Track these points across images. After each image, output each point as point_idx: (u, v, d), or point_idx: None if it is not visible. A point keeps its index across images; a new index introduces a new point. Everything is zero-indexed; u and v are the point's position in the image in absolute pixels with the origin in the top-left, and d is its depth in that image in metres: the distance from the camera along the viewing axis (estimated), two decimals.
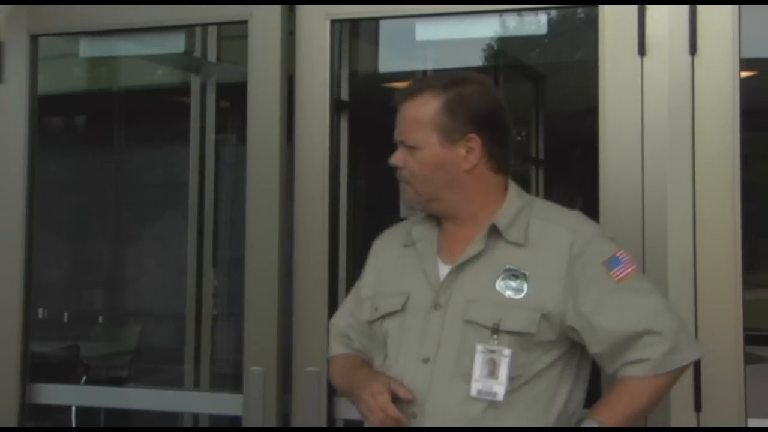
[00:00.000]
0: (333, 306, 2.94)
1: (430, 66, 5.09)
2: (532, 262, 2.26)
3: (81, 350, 5.91)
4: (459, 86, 2.32)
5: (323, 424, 3.02)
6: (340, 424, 3.02)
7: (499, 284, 2.24)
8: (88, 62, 5.20)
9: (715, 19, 2.78)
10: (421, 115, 2.29)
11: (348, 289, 2.68)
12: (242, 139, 3.23)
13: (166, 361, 5.79)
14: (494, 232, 2.30)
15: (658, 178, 2.81)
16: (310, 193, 3.13)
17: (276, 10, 3.16)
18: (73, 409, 4.69)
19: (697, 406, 2.73)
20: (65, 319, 6.23)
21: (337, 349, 2.55)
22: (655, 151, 2.82)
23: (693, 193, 2.78)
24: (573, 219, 2.37)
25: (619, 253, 2.28)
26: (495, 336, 2.20)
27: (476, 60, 5.79)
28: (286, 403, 3.08)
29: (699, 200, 2.77)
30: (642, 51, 2.84)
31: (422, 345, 2.26)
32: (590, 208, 2.88)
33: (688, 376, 2.72)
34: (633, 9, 2.85)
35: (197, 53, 4.95)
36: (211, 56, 5.04)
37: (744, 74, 2.79)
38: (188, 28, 4.07)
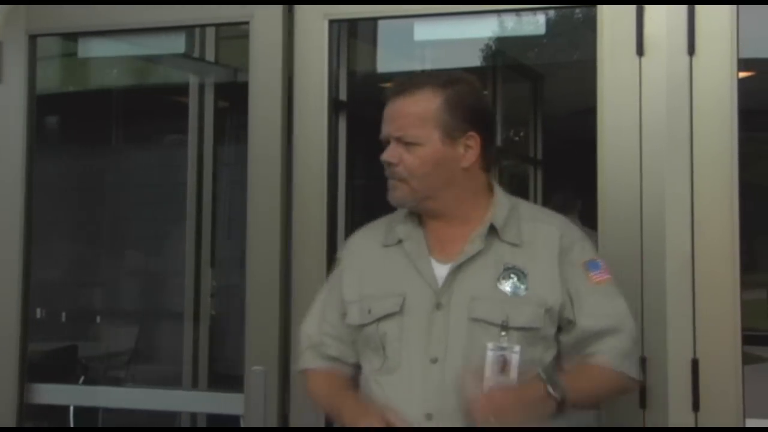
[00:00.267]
0: None
1: (428, 66, 5.09)
2: (529, 260, 2.28)
3: (79, 350, 5.91)
4: (456, 84, 2.33)
5: (322, 423, 3.02)
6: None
7: (501, 282, 2.26)
8: (84, 61, 5.20)
9: (714, 20, 2.79)
10: (423, 111, 2.28)
11: None
12: (241, 139, 3.22)
13: (164, 362, 5.79)
14: (491, 231, 2.31)
15: (656, 178, 2.81)
16: (308, 193, 3.13)
17: (277, 10, 3.16)
18: (71, 409, 4.69)
19: (696, 406, 2.73)
20: (63, 318, 6.23)
21: (312, 361, 2.47)
22: (653, 151, 2.82)
23: (691, 193, 2.78)
24: (560, 219, 2.43)
25: (598, 259, 2.37)
26: (504, 333, 2.21)
27: (475, 60, 5.80)
28: (287, 402, 3.08)
29: (697, 200, 2.77)
30: (640, 51, 2.84)
31: (428, 346, 2.25)
32: (589, 208, 2.89)
33: (686, 377, 2.73)
34: (631, 9, 2.85)
35: (196, 53, 4.95)
36: (209, 56, 5.05)
37: (742, 74, 2.79)
38: (187, 29, 4.06)
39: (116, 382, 5.80)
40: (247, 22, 3.21)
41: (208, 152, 5.04)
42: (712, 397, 2.73)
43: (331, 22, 3.17)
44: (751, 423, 2.74)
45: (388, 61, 5.28)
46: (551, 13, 3.94)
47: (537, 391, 2.17)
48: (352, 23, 3.89)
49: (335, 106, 3.29)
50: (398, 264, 2.35)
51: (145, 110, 5.96)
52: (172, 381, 5.17)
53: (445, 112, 2.28)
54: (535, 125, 6.92)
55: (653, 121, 2.82)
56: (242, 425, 3.29)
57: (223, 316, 5.32)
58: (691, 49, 2.80)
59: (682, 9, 2.81)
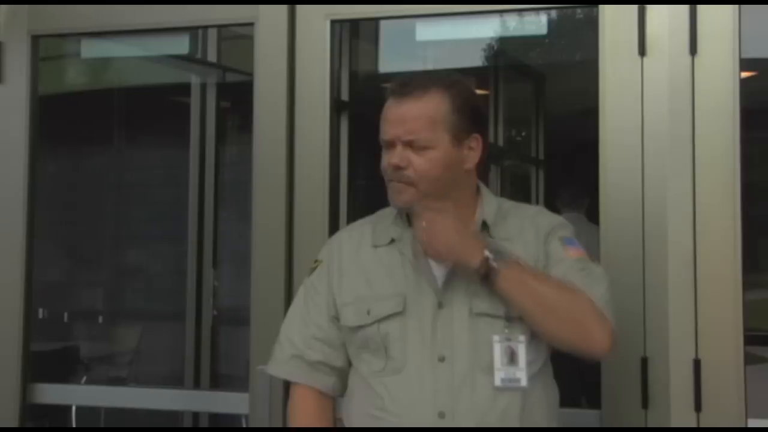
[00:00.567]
0: None
1: (430, 66, 5.10)
2: (521, 252, 2.28)
3: (81, 350, 5.93)
4: (458, 86, 2.32)
5: None
6: (339, 424, 3.01)
7: None
8: (86, 61, 5.20)
9: (716, 20, 2.79)
10: (434, 113, 2.26)
11: None
12: (242, 139, 3.23)
13: (166, 361, 5.80)
14: (482, 228, 2.32)
15: (658, 178, 2.81)
16: (310, 193, 3.13)
17: (282, 11, 3.16)
18: (73, 408, 4.70)
19: (698, 407, 2.73)
20: (65, 319, 6.24)
21: (298, 373, 2.41)
22: (655, 151, 2.82)
23: (693, 193, 2.78)
24: (539, 209, 2.46)
25: (575, 238, 2.36)
26: (508, 324, 2.22)
27: (476, 60, 5.81)
28: None
29: (699, 200, 2.77)
30: (642, 51, 2.84)
31: (434, 345, 2.25)
32: (596, 205, 2.89)
33: (688, 377, 2.73)
34: (633, 9, 2.85)
35: (198, 54, 4.96)
36: (211, 57, 5.05)
37: (744, 74, 2.79)
38: (191, 30, 4.06)
39: (118, 381, 5.81)
40: (251, 23, 3.21)
41: (210, 152, 5.04)
42: (714, 398, 2.73)
43: (333, 22, 3.16)
44: (753, 423, 2.73)
45: (390, 61, 5.28)
46: (553, 13, 3.94)
47: (476, 244, 2.20)
48: (354, 23, 3.89)
49: (337, 106, 3.29)
50: (394, 264, 2.34)
51: (147, 110, 5.97)
52: (174, 381, 5.18)
53: (453, 113, 2.27)
54: (536, 125, 6.92)
55: (655, 121, 2.82)
56: (246, 424, 3.29)
57: (226, 316, 5.33)
58: (693, 49, 2.80)
59: (683, 9, 2.81)
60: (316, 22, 3.15)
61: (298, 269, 3.09)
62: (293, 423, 2.44)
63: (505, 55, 6.18)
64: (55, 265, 6.00)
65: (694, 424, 2.73)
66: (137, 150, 6.39)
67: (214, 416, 4.51)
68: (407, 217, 2.35)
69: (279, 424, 3.04)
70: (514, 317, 2.23)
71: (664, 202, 2.80)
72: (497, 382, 2.20)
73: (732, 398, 2.72)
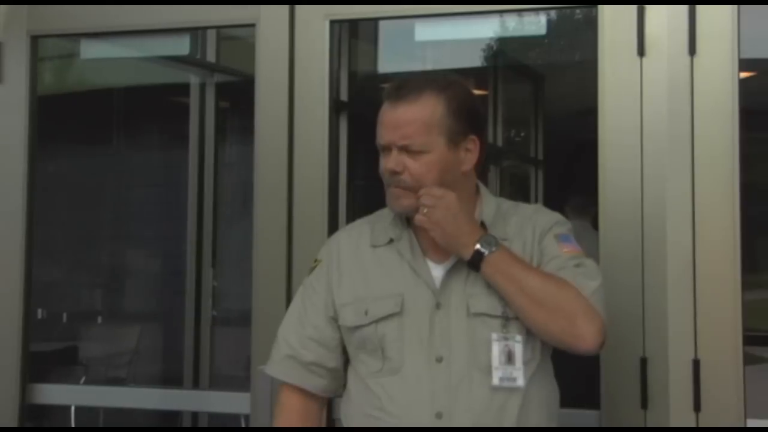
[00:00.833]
0: None
1: (429, 66, 5.10)
2: (518, 252, 2.28)
3: (80, 351, 5.92)
4: (454, 88, 2.31)
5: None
6: (338, 424, 3.02)
7: None
8: (85, 61, 5.20)
9: (715, 20, 2.79)
10: (428, 117, 2.25)
11: None
12: (242, 139, 3.22)
13: (165, 362, 5.80)
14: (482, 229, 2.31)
15: (657, 179, 2.81)
16: (309, 193, 3.13)
17: (283, 12, 3.16)
18: (72, 409, 4.70)
19: (697, 407, 2.73)
20: (64, 319, 6.24)
21: (289, 373, 2.42)
22: (654, 151, 2.82)
23: (692, 193, 2.78)
24: (537, 208, 2.44)
25: (571, 235, 2.35)
26: (505, 324, 2.22)
27: (476, 60, 5.81)
28: None
29: (698, 200, 2.77)
30: (641, 51, 2.84)
31: (431, 345, 2.25)
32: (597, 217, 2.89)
33: (687, 377, 2.73)
34: (632, 9, 2.85)
35: (198, 55, 4.96)
36: (210, 57, 5.05)
37: (743, 75, 2.79)
38: (191, 31, 4.06)
39: (117, 382, 5.80)
40: (253, 24, 3.21)
41: (209, 152, 5.04)
42: (713, 398, 2.73)
43: (332, 22, 3.16)
44: (752, 423, 2.74)
45: (389, 61, 5.28)
46: (552, 13, 3.94)
47: (472, 231, 2.22)
48: (353, 23, 3.89)
49: (336, 106, 3.29)
50: (392, 264, 2.34)
51: (146, 110, 5.97)
52: (173, 381, 5.18)
53: (448, 116, 2.26)
54: (536, 126, 6.93)
55: (654, 122, 2.82)
56: (246, 424, 3.29)
57: (225, 317, 5.33)
58: (692, 50, 2.80)
59: (683, 9, 2.81)
60: (315, 23, 3.15)
61: (297, 269, 3.09)
62: (276, 421, 2.44)
63: (504, 56, 6.18)
64: (54, 266, 6.00)
65: (693, 425, 2.74)
66: (136, 150, 6.39)
67: (213, 417, 4.50)
68: (406, 218, 2.35)
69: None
70: (511, 317, 2.23)
71: (664, 202, 2.80)
72: (495, 380, 2.20)
73: (731, 398, 2.72)
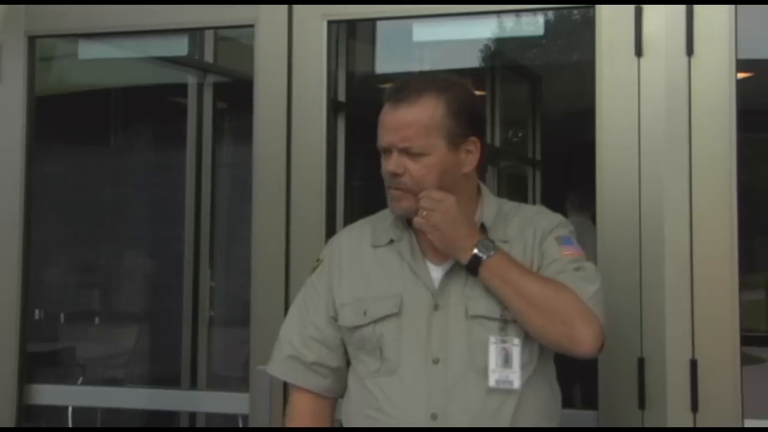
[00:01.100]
0: None
1: (427, 67, 5.10)
2: (519, 254, 2.28)
3: (77, 351, 5.92)
4: (455, 89, 2.31)
5: None
6: (338, 424, 3.02)
7: None
8: (83, 62, 5.20)
9: (712, 20, 2.79)
10: (428, 120, 2.24)
11: None
12: (240, 139, 3.22)
13: (163, 362, 5.80)
14: (481, 231, 2.31)
15: (654, 179, 2.81)
16: (307, 193, 3.13)
17: (283, 12, 3.15)
18: (70, 409, 4.70)
19: (694, 407, 2.73)
20: (62, 320, 6.23)
21: (291, 374, 2.42)
22: (651, 152, 2.82)
23: (690, 193, 2.78)
24: (539, 209, 2.44)
25: (572, 238, 2.34)
26: (503, 327, 2.22)
27: (473, 61, 5.81)
28: None
29: (696, 201, 2.77)
30: (639, 52, 2.85)
31: (429, 346, 2.25)
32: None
33: (685, 377, 2.73)
34: (630, 9, 2.85)
35: (196, 55, 4.95)
36: (208, 57, 5.04)
37: (741, 75, 2.79)
38: (190, 32, 4.06)
39: (115, 382, 5.80)
40: (251, 25, 3.21)
41: (206, 153, 5.04)
42: (710, 398, 2.73)
43: (330, 22, 3.16)
44: (749, 423, 2.74)
45: (387, 61, 5.28)
46: (550, 14, 3.94)
47: (471, 235, 2.22)
48: (351, 24, 3.88)
49: (334, 106, 3.29)
50: (392, 265, 2.34)
51: (143, 111, 5.96)
52: (170, 381, 5.18)
53: (448, 118, 2.25)
54: (533, 126, 6.93)
55: (652, 122, 2.82)
56: (245, 424, 3.29)
57: (222, 317, 5.32)
58: (690, 50, 2.80)
59: (680, 9, 2.81)
60: (313, 23, 3.15)
61: (295, 269, 3.09)
62: (288, 424, 2.45)
63: (501, 56, 6.18)
64: (52, 266, 6.00)
65: (690, 425, 2.74)
66: (134, 150, 6.38)
67: (210, 417, 4.50)
68: (407, 219, 2.35)
69: (279, 425, 3.04)
70: (509, 320, 2.22)
71: (661, 202, 2.80)
72: (491, 383, 2.20)
73: (729, 398, 2.72)
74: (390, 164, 2.27)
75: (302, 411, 2.42)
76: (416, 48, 4.74)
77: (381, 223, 2.41)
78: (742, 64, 2.79)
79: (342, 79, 3.61)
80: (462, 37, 3.43)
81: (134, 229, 6.22)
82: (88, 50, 3.92)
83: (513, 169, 7.35)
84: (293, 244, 3.12)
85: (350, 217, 3.26)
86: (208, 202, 5.03)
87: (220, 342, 5.23)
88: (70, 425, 4.74)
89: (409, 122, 2.25)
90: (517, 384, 2.21)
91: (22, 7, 3.44)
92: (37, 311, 5.08)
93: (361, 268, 2.37)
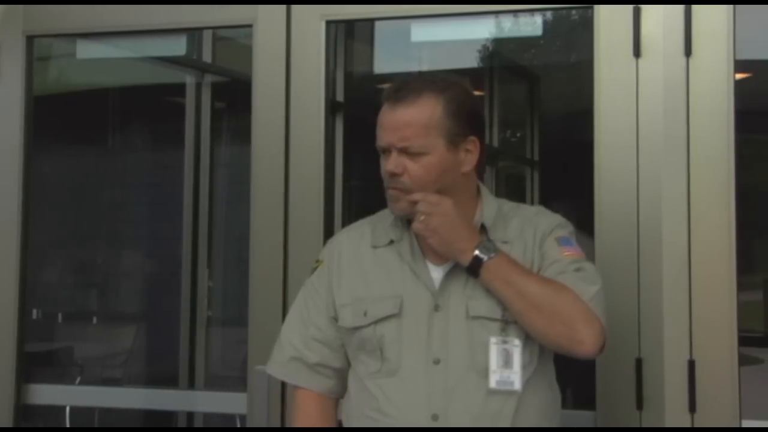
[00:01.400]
0: None
1: (425, 67, 5.10)
2: (519, 255, 2.28)
3: (75, 351, 5.92)
4: (453, 89, 2.30)
5: None
6: (337, 424, 3.02)
7: None
8: (81, 61, 5.20)
9: (710, 21, 2.79)
10: (427, 119, 2.24)
11: None
12: (237, 139, 3.22)
13: (161, 362, 5.80)
14: (481, 231, 2.31)
15: (653, 180, 2.81)
16: (305, 193, 3.12)
17: (281, 12, 3.15)
18: (67, 409, 4.70)
19: (692, 407, 2.73)
20: (60, 319, 6.24)
21: (294, 375, 2.42)
22: (649, 152, 2.82)
23: (688, 194, 2.78)
24: (539, 210, 2.43)
25: (572, 238, 2.34)
26: (504, 327, 2.22)
27: (472, 61, 5.81)
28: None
29: (694, 201, 2.77)
30: (637, 52, 2.85)
31: (429, 347, 2.24)
32: (585, 210, 2.89)
33: (683, 378, 2.73)
34: (628, 10, 2.85)
35: (194, 55, 4.95)
36: (206, 57, 5.04)
37: (739, 76, 2.79)
38: (188, 31, 4.05)
39: (112, 382, 5.80)
40: (250, 25, 3.21)
41: (205, 153, 5.04)
42: (708, 399, 2.73)
43: (328, 22, 3.16)
44: (747, 424, 2.74)
45: (385, 62, 5.28)
46: (548, 14, 3.94)
47: (470, 237, 2.22)
48: (349, 24, 3.88)
49: (332, 106, 3.29)
50: (392, 266, 2.34)
51: (142, 110, 5.97)
52: (168, 381, 5.18)
53: (447, 118, 2.25)
54: (531, 126, 6.92)
55: (650, 123, 2.82)
56: (242, 424, 3.29)
57: (220, 317, 5.33)
58: (688, 51, 2.80)
59: (678, 10, 2.81)
60: (311, 23, 3.15)
61: (293, 269, 3.09)
62: (296, 425, 2.44)
63: (500, 56, 6.18)
64: (50, 266, 6.00)
65: (688, 425, 2.74)
66: (132, 150, 6.39)
67: (208, 417, 4.50)
68: (407, 219, 2.34)
69: (277, 424, 3.05)
70: (510, 321, 2.22)
71: (659, 203, 2.80)
72: (492, 383, 2.20)
73: (726, 399, 2.72)
74: (389, 164, 2.27)
75: (310, 411, 2.41)
76: (414, 48, 4.74)
77: (380, 223, 2.41)
78: (740, 65, 2.79)
79: (340, 79, 3.61)
80: (460, 38, 3.43)
81: (132, 229, 6.22)
82: (87, 50, 3.92)
83: (511, 170, 7.34)
84: (291, 244, 3.12)
85: (348, 217, 3.26)
86: (206, 202, 5.03)
87: (218, 342, 5.23)
88: (68, 425, 4.74)
89: (408, 122, 2.25)
90: (517, 385, 2.21)
91: (21, 6, 3.44)
92: (34, 311, 5.09)
93: (361, 269, 2.37)
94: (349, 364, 2.39)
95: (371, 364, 2.30)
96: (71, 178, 5.97)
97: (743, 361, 2.77)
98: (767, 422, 2.81)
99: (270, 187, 3.14)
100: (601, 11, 2.89)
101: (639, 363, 2.78)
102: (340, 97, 3.58)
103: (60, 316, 6.23)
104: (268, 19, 3.18)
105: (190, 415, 4.55)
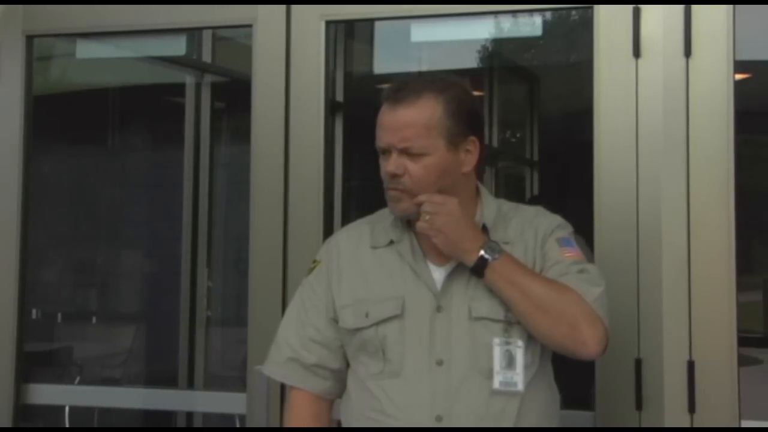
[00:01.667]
0: None
1: (425, 67, 5.10)
2: (520, 255, 2.28)
3: (74, 351, 5.92)
4: (453, 89, 2.30)
5: None
6: (335, 425, 3.02)
7: None
8: (80, 61, 5.20)
9: (710, 21, 2.79)
10: (427, 120, 2.24)
11: None
12: (237, 139, 3.22)
13: (160, 362, 5.80)
14: (482, 231, 2.30)
15: (652, 180, 2.81)
16: (304, 193, 3.12)
17: (281, 12, 3.15)
18: (67, 409, 4.69)
19: (691, 408, 2.73)
20: (59, 319, 6.23)
21: (291, 376, 2.42)
22: (649, 152, 2.82)
23: (687, 194, 2.78)
24: (539, 210, 2.42)
25: (572, 239, 2.34)
26: (507, 328, 2.22)
27: (471, 61, 5.81)
28: None
29: (693, 202, 2.77)
30: (637, 53, 2.85)
31: (432, 348, 2.24)
32: (585, 211, 2.89)
33: (682, 378, 2.73)
34: (628, 10, 2.85)
35: (194, 55, 4.95)
36: (206, 57, 5.04)
37: (738, 76, 2.79)
38: (188, 31, 4.05)
39: (112, 382, 5.80)
40: (249, 25, 3.21)
41: (204, 153, 5.04)
42: (707, 399, 2.73)
43: (328, 22, 3.16)
44: (746, 424, 2.74)
45: (385, 62, 5.28)
46: (548, 14, 3.94)
47: (475, 237, 2.21)
48: (349, 24, 3.89)
49: (332, 107, 3.29)
50: (393, 266, 2.33)
51: (141, 110, 5.96)
52: (167, 381, 5.18)
53: (447, 118, 2.25)
54: (531, 127, 6.93)
55: (649, 123, 2.82)
56: (242, 424, 3.29)
57: (220, 317, 5.32)
58: (688, 51, 2.80)
59: (678, 10, 2.81)
60: (311, 23, 3.15)
61: (292, 269, 3.09)
62: (288, 425, 2.44)
63: (499, 57, 6.18)
64: (49, 265, 6.00)
65: (688, 425, 2.74)
66: (131, 150, 6.39)
67: (207, 417, 4.50)
68: (407, 220, 2.34)
69: (276, 424, 3.04)
70: (513, 322, 2.22)
71: (658, 203, 2.80)
72: (495, 384, 2.20)
73: (726, 399, 2.72)
74: (389, 165, 2.26)
75: (302, 413, 2.41)
76: (414, 48, 4.74)
77: (380, 223, 2.40)
78: (740, 65, 2.79)
79: (340, 80, 3.62)
80: (460, 38, 3.43)
81: (131, 229, 6.22)
82: (86, 50, 3.92)
83: (511, 170, 7.35)
84: (291, 244, 3.12)
85: (348, 217, 3.27)
86: (205, 202, 5.03)
87: (218, 342, 5.23)
88: (67, 425, 4.74)
89: (408, 122, 2.24)
90: (520, 386, 2.21)
91: (20, 6, 3.44)
92: (34, 311, 5.08)
93: (360, 269, 2.36)
94: (347, 365, 2.39)
95: (372, 366, 2.30)
96: (71, 178, 5.97)
97: (743, 361, 2.77)
98: (767, 422, 2.81)
99: (270, 187, 3.14)
100: (601, 11, 2.89)
101: (638, 363, 2.78)
102: (339, 97, 3.59)
103: (59, 316, 6.23)
104: (267, 19, 3.18)
105: (190, 415, 4.55)
